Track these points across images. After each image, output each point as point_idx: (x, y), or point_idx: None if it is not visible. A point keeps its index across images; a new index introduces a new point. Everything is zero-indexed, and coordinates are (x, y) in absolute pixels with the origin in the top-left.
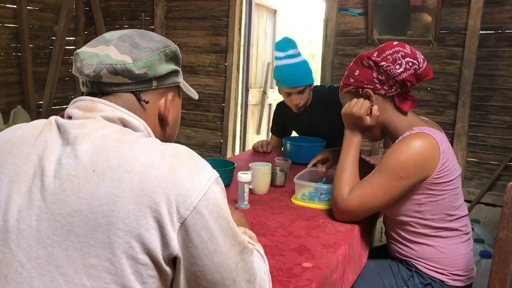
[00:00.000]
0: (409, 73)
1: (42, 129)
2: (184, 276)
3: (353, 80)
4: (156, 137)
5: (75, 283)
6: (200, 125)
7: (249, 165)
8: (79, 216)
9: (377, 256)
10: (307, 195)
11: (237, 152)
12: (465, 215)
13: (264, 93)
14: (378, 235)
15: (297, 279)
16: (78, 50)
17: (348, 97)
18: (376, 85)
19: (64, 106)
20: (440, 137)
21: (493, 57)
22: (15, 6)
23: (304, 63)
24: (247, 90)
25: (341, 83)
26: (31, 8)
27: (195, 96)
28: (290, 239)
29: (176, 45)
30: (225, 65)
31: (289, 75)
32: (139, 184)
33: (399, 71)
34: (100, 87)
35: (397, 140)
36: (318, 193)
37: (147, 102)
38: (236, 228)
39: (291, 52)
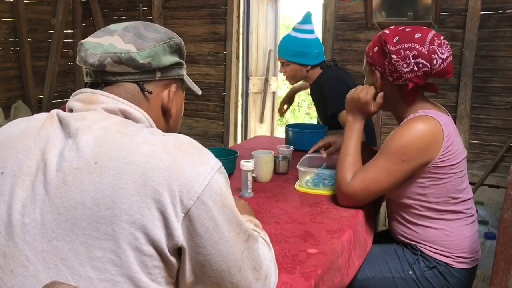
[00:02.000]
0: (415, 74)
1: (43, 122)
2: (190, 266)
3: (371, 55)
4: (159, 128)
5: (80, 276)
6: (201, 114)
7: (252, 153)
8: (82, 209)
9: (381, 240)
10: (311, 182)
11: (239, 140)
12: (470, 198)
13: (266, 81)
14: (382, 219)
15: (303, 265)
16: (82, 40)
17: (367, 68)
18: (386, 70)
19: (65, 100)
20: (445, 120)
21: (494, 37)
22: (11, 0)
23: (301, 40)
24: (247, 78)
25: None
26: (28, 1)
27: (198, 91)
28: (295, 225)
29: (180, 39)
30: (225, 53)
31: (282, 44)
32: (141, 175)
33: (405, 70)
34: (104, 76)
35: (401, 123)
36: (322, 179)
37: (150, 93)
38: (240, 216)
39: (298, 26)
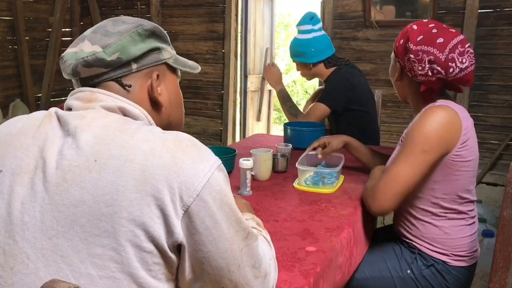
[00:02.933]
0: (429, 79)
1: (42, 120)
2: (190, 263)
3: (396, 45)
4: (154, 120)
5: (81, 273)
6: (200, 113)
7: (250, 151)
8: (82, 206)
9: (379, 238)
10: (310, 180)
11: (237, 139)
12: (474, 201)
13: (263, 79)
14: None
15: (302, 263)
16: (63, 53)
17: (392, 56)
18: (406, 66)
19: (63, 98)
20: (464, 113)
21: (492, 36)
22: None
23: (298, 41)
24: (245, 77)
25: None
26: (25, 0)
27: (194, 69)
28: (294, 223)
29: (153, 23)
30: (223, 52)
31: (289, 46)
32: (141, 173)
33: (419, 72)
34: (84, 83)
35: (419, 114)
36: (321, 177)
37: (130, 86)
38: (240, 214)
39: (297, 28)
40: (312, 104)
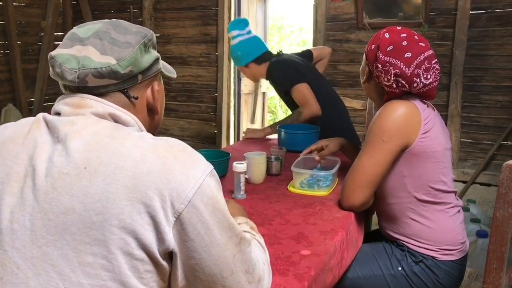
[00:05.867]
0: (393, 90)
1: (30, 127)
2: (182, 270)
3: (368, 49)
4: (146, 127)
5: (72, 282)
6: (194, 116)
7: (244, 154)
8: (72, 214)
9: (372, 239)
10: (305, 183)
11: (231, 141)
12: (452, 191)
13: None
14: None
15: (296, 267)
16: (52, 53)
17: (363, 58)
18: (373, 71)
19: None
20: (423, 106)
21: (484, 37)
22: (0, 3)
23: (232, 47)
24: (239, 79)
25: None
26: (17, 4)
27: (174, 74)
28: (288, 227)
29: (150, 30)
30: (216, 54)
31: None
32: (131, 180)
33: (384, 82)
34: (86, 91)
35: (380, 109)
36: (316, 180)
37: (136, 98)
38: (232, 220)
39: (229, 35)
40: (293, 90)
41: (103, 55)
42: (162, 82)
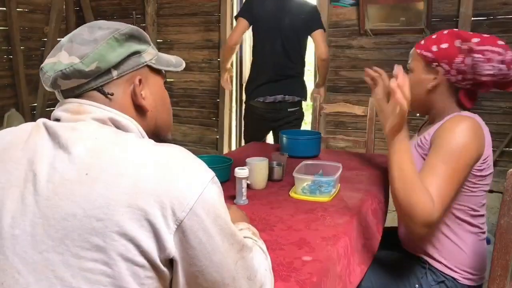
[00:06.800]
0: (493, 79)
1: (30, 133)
2: (184, 277)
3: (436, 50)
4: (141, 126)
5: (73, 287)
6: (196, 121)
7: (246, 160)
8: (73, 220)
9: (387, 244)
10: (307, 189)
11: (233, 147)
12: (484, 215)
13: None
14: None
15: (298, 273)
16: (42, 64)
17: (418, 60)
18: (452, 69)
19: None
20: (484, 125)
21: None
22: (4, 9)
23: None
24: (241, 85)
25: (424, 41)
26: (20, 10)
27: (178, 67)
28: (290, 233)
29: (131, 26)
30: (218, 60)
31: None
32: (132, 187)
33: (486, 72)
34: (65, 95)
35: (442, 121)
36: (318, 186)
37: (112, 95)
38: (233, 227)
39: None
40: None
41: (70, 56)
42: (159, 77)
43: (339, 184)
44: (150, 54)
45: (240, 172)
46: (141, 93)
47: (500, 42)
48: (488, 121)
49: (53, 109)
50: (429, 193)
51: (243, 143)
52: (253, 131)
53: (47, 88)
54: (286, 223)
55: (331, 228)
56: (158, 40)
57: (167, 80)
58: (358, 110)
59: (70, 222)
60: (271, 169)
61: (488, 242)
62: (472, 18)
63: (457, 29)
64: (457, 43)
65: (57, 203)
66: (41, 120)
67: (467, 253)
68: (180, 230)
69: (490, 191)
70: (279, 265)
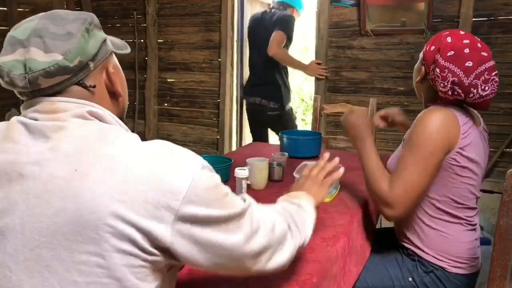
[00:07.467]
0: (447, 96)
1: (5, 132)
2: (193, 257)
3: (426, 49)
4: (114, 113)
5: (68, 280)
6: (196, 121)
7: (246, 160)
8: (64, 215)
9: (380, 244)
10: None
11: (234, 147)
12: (474, 208)
13: None
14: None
15: (298, 274)
16: None
17: (420, 57)
18: (429, 73)
19: None
20: (464, 119)
21: (487, 44)
22: (5, 9)
23: None
24: (242, 85)
25: (430, 37)
26: (21, 10)
27: (127, 49)
28: None
29: (89, 13)
30: (219, 61)
31: None
32: (123, 183)
33: (440, 88)
34: (42, 93)
35: (418, 115)
36: None
37: (94, 87)
38: (229, 198)
39: None
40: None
41: (47, 53)
42: (116, 61)
43: (339, 185)
44: (109, 40)
45: (240, 172)
46: (116, 80)
47: (468, 63)
48: (489, 122)
49: None
50: (387, 180)
51: (243, 143)
52: (250, 128)
53: (11, 88)
54: None
55: (331, 229)
56: (159, 40)
57: (167, 80)
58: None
59: (62, 217)
60: (271, 169)
61: (488, 242)
62: (473, 19)
63: (452, 35)
64: (435, 51)
65: (47, 200)
66: (15, 118)
67: (451, 242)
68: (176, 219)
69: (491, 192)
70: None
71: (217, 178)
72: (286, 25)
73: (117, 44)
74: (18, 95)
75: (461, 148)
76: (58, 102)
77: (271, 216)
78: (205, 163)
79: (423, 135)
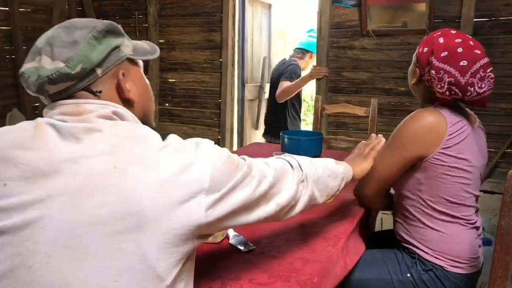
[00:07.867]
0: (446, 97)
1: (35, 132)
2: (230, 220)
3: (419, 51)
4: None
5: (105, 266)
6: (197, 121)
7: None
8: (105, 208)
9: (381, 241)
10: None
11: (235, 147)
12: (472, 206)
13: (261, 87)
14: (378, 225)
15: (298, 273)
16: (21, 69)
17: (413, 59)
18: (424, 74)
19: None
20: (454, 119)
21: (488, 44)
22: (7, 9)
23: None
24: (243, 86)
25: (424, 38)
26: (23, 10)
27: (154, 53)
28: (290, 233)
29: (105, 21)
30: (220, 61)
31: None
32: (158, 178)
33: (437, 89)
34: (53, 98)
35: (410, 114)
36: None
37: (100, 92)
38: (237, 163)
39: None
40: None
41: (53, 61)
42: (137, 67)
43: None
44: (127, 46)
45: None
46: (126, 86)
47: (463, 63)
48: (489, 123)
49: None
50: None
51: (244, 144)
52: None
53: (30, 93)
54: (287, 223)
55: (332, 229)
56: (160, 41)
57: (169, 80)
58: (359, 111)
59: (103, 209)
60: None
61: (489, 243)
62: (475, 19)
63: (444, 36)
64: (428, 52)
65: (89, 193)
66: (42, 120)
67: (450, 241)
68: (210, 202)
69: (492, 193)
70: (280, 265)
71: (223, 152)
72: (289, 75)
73: (141, 50)
74: (43, 100)
75: (444, 148)
76: (83, 104)
77: (262, 161)
78: (211, 142)
79: (398, 131)
